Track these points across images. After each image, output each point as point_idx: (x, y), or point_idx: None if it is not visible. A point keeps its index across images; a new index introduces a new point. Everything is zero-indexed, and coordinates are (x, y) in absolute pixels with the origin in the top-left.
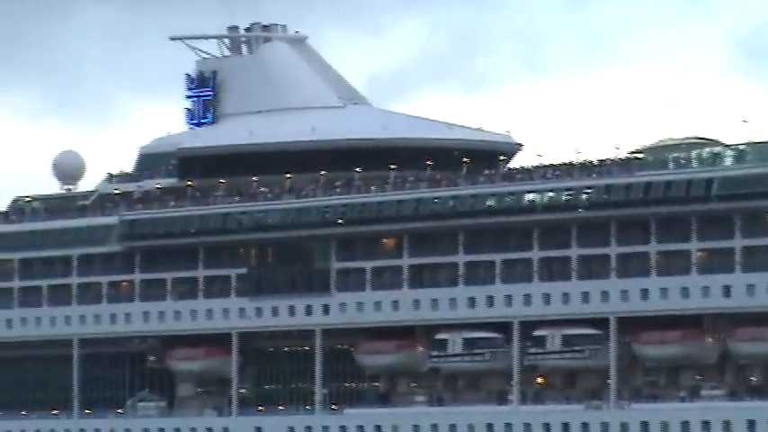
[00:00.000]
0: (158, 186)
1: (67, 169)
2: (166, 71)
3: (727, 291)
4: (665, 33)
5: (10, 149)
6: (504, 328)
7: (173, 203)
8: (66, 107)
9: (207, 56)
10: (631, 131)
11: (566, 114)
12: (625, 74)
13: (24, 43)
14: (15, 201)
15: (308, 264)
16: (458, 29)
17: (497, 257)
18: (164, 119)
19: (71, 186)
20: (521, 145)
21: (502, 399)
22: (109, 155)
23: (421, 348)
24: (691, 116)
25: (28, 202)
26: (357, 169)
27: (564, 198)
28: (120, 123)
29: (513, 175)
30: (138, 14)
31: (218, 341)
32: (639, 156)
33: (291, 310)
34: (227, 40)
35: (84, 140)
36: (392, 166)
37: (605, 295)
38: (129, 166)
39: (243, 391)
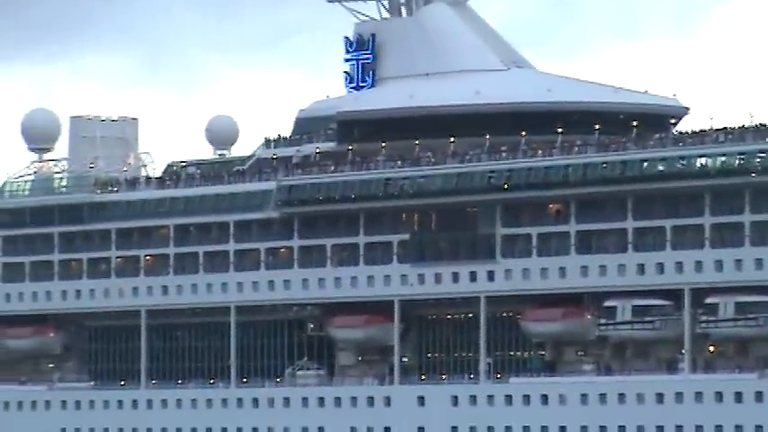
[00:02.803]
0: (318, 151)
1: (221, 134)
2: (259, 37)
3: None
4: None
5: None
6: (674, 295)
7: (332, 168)
8: (159, 72)
9: (365, 18)
10: None
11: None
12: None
13: (118, 10)
14: (170, 166)
15: (473, 229)
16: None
17: (667, 223)
18: (256, 83)
19: (224, 151)
20: (688, 108)
21: (672, 368)
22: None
23: (589, 316)
24: None
25: (183, 167)
26: (523, 133)
27: (737, 162)
28: (210, 88)
29: (683, 138)
30: None
31: (379, 309)
32: None
33: (455, 277)
34: (385, 2)
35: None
36: (559, 130)
37: None
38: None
39: (405, 359)
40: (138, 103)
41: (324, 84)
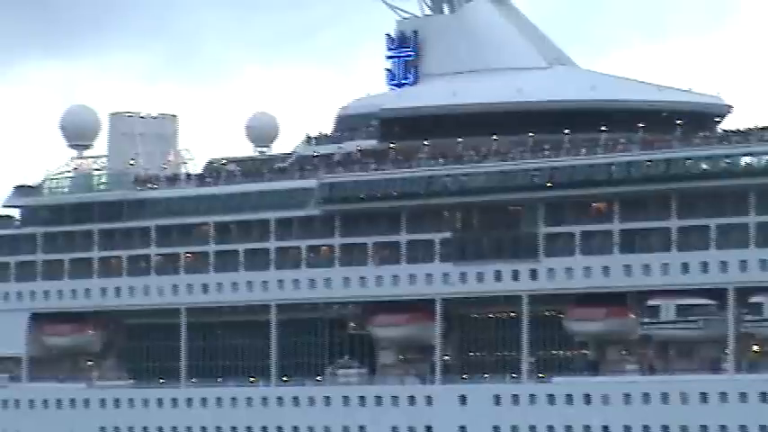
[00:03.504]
0: (359, 148)
1: (262, 131)
2: (289, 32)
3: None
4: None
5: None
6: (718, 294)
7: (374, 166)
8: (192, 68)
9: (407, 15)
10: None
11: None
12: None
13: (146, 5)
14: (210, 163)
15: (515, 228)
16: None
17: (712, 222)
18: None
19: (264, 149)
20: (731, 107)
21: (716, 367)
22: (219, 115)
23: (632, 315)
24: None
25: (223, 164)
26: (566, 131)
27: None
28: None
29: (728, 137)
30: None
31: (421, 307)
32: None
33: (497, 276)
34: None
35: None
36: (602, 128)
37: None
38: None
39: (446, 358)
40: (173, 100)
41: (358, 80)
